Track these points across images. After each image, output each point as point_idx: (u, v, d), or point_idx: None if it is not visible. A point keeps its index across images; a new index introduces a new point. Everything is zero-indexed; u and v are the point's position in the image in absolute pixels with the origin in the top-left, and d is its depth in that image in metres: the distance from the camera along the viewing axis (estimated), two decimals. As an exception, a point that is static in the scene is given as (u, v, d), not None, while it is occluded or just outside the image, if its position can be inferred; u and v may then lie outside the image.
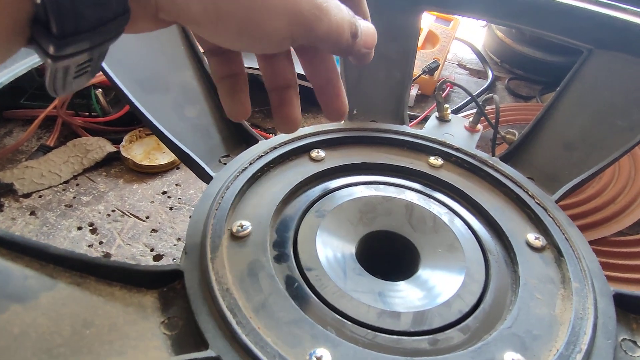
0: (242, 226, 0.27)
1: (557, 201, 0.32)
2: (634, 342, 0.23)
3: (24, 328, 0.18)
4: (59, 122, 0.56)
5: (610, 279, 0.39)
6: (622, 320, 0.24)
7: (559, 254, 0.28)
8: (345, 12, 0.21)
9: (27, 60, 0.31)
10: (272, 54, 0.24)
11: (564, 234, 0.28)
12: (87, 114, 0.58)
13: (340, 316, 0.24)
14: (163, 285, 0.23)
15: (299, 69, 0.26)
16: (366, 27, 0.23)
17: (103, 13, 0.16)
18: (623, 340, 0.23)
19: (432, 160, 0.35)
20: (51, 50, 0.16)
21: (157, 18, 0.19)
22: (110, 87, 0.58)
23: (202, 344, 0.21)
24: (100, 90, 0.57)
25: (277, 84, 0.25)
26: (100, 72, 0.58)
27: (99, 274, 0.22)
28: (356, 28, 0.22)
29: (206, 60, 0.37)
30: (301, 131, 0.35)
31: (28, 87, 0.59)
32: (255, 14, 0.18)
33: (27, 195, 0.49)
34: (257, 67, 0.26)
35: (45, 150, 0.54)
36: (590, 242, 0.42)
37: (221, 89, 0.25)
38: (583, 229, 0.43)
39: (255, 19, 0.18)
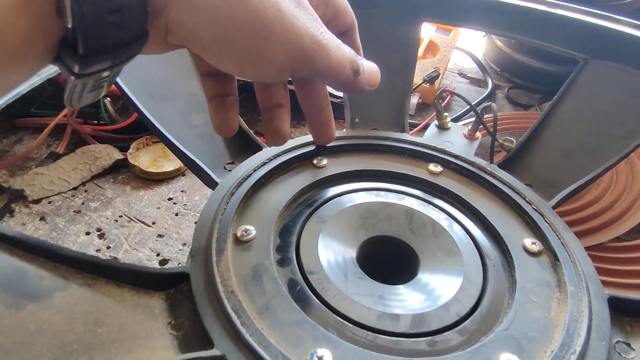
0: (246, 231, 0.28)
1: (554, 207, 0.32)
2: (628, 345, 0.24)
3: (40, 325, 0.19)
4: (68, 130, 0.58)
5: (608, 284, 0.40)
6: (616, 323, 0.25)
7: (555, 258, 0.28)
8: (345, 50, 0.23)
9: (42, 72, 0.32)
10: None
11: (560, 239, 0.29)
12: (95, 122, 0.59)
13: (341, 318, 0.24)
14: (170, 287, 0.24)
15: None
16: (369, 67, 0.25)
17: (124, 36, 0.18)
18: (617, 342, 0.24)
19: (432, 167, 0.36)
20: (76, 68, 0.17)
21: (166, 42, 0.20)
22: (118, 95, 0.60)
23: (208, 344, 0.21)
24: (108, 99, 0.58)
25: (270, 104, 0.26)
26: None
27: (109, 276, 0.23)
28: (358, 66, 0.23)
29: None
30: (304, 139, 0.36)
31: (39, 96, 0.61)
32: (260, 43, 0.19)
33: (37, 201, 0.50)
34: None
35: (55, 157, 0.55)
36: (589, 248, 0.43)
37: (211, 107, 0.26)
38: (581, 234, 0.43)
39: (258, 48, 0.20)
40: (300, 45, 0.20)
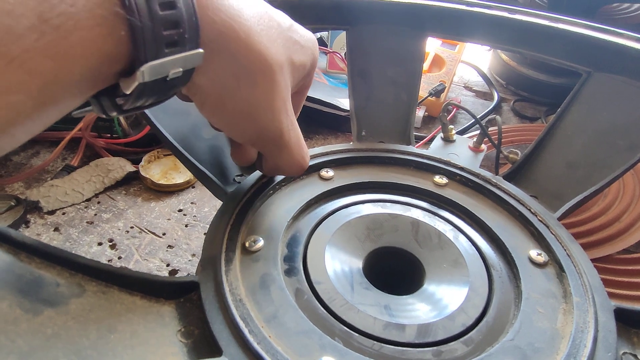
0: (254, 241, 0.28)
1: (559, 218, 0.33)
2: (635, 356, 0.23)
3: (56, 330, 0.20)
4: (83, 143, 0.60)
5: (616, 296, 0.39)
6: (623, 334, 0.24)
7: (560, 269, 0.28)
8: (304, 152, 0.28)
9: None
10: None
11: (565, 250, 0.29)
12: (109, 135, 0.61)
13: (348, 327, 0.25)
14: (180, 296, 0.25)
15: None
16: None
17: (165, 93, 0.21)
18: (624, 353, 0.24)
19: (437, 179, 0.36)
20: (125, 106, 0.20)
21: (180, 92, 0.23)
22: (131, 110, 0.61)
23: (217, 351, 0.22)
24: (121, 113, 0.60)
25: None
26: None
27: (122, 284, 0.23)
28: (304, 168, 0.29)
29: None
30: (311, 151, 0.36)
31: (55, 111, 0.63)
32: (244, 119, 0.24)
33: (51, 212, 0.52)
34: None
35: (69, 169, 0.57)
36: (596, 260, 0.43)
37: (230, 140, 0.32)
38: (588, 246, 0.43)
39: (240, 121, 0.24)
40: (268, 129, 0.25)
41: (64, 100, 0.17)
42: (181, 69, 0.19)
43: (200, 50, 0.19)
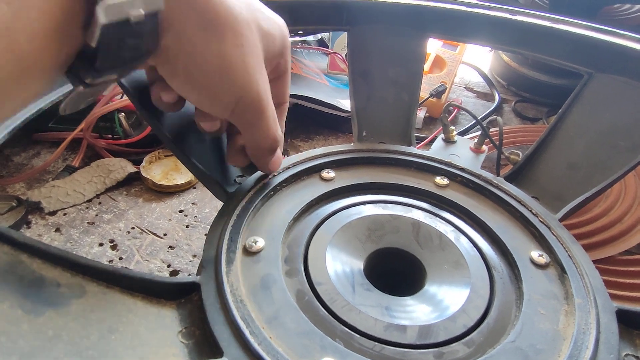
0: (255, 242, 0.28)
1: (561, 219, 0.33)
2: (637, 358, 0.23)
3: (57, 331, 0.20)
4: (84, 144, 0.60)
5: (618, 297, 0.39)
6: (625, 336, 0.24)
7: (562, 270, 0.28)
8: (279, 128, 0.28)
9: (63, 89, 0.34)
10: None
11: (567, 251, 0.29)
12: (110, 136, 0.61)
13: (349, 328, 0.25)
14: (181, 296, 0.25)
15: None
16: (278, 154, 0.31)
17: (136, 55, 0.20)
18: (626, 355, 0.23)
19: (438, 180, 0.36)
20: (88, 79, 0.19)
21: (145, 63, 0.23)
22: (132, 111, 0.61)
23: (217, 352, 0.22)
24: (123, 114, 0.60)
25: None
26: (125, 97, 0.61)
27: (123, 285, 0.24)
28: (278, 146, 0.29)
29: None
30: (312, 152, 0.36)
31: (56, 112, 0.63)
32: (220, 80, 0.24)
33: (52, 213, 0.52)
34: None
35: (70, 170, 0.57)
36: (598, 261, 0.42)
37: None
38: (590, 247, 0.43)
39: (217, 84, 0.24)
40: (248, 93, 0.25)
41: (32, 56, 0.17)
42: (142, 12, 0.19)
43: None
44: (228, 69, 0.23)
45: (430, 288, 0.28)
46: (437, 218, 0.33)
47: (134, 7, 0.18)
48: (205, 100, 0.25)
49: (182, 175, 0.58)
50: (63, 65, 0.19)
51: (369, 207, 0.33)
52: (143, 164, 0.58)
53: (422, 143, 0.65)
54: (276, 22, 0.27)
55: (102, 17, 0.17)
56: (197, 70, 0.23)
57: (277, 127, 0.28)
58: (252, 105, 0.25)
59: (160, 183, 0.56)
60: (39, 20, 0.17)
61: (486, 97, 0.85)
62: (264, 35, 0.25)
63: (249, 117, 0.26)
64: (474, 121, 0.72)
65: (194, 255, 0.48)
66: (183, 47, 0.22)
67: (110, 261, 0.47)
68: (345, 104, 0.66)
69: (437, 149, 0.42)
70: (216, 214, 0.30)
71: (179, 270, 0.46)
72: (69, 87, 0.34)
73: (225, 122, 0.29)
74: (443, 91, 0.73)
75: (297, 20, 0.47)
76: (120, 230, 0.51)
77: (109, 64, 0.19)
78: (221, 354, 0.21)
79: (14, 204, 0.51)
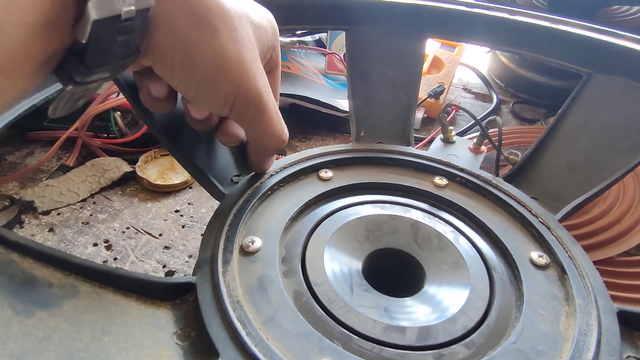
0: (252, 242, 0.28)
1: (560, 220, 0.32)
2: (639, 360, 0.23)
3: (48, 333, 0.19)
4: (78, 143, 0.59)
5: (617, 299, 0.39)
6: (626, 337, 0.24)
7: (562, 271, 0.28)
8: (283, 123, 0.28)
9: (55, 86, 0.33)
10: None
11: (567, 252, 0.29)
12: (105, 135, 0.60)
13: (347, 330, 0.24)
14: (176, 297, 0.24)
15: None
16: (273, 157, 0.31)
17: (126, 52, 0.20)
18: (628, 357, 0.23)
19: (437, 180, 0.36)
20: (78, 77, 0.19)
21: (137, 61, 0.22)
22: (128, 110, 0.61)
23: (213, 354, 0.21)
24: (118, 113, 0.59)
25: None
26: (121, 96, 0.61)
27: (117, 285, 0.23)
28: (284, 143, 0.28)
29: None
30: (310, 152, 0.36)
31: (51, 110, 0.62)
32: (216, 76, 0.23)
33: (46, 213, 0.51)
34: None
35: (65, 169, 0.56)
36: (597, 262, 0.42)
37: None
38: (589, 249, 0.43)
39: (214, 80, 0.24)
40: (246, 88, 0.24)
41: (23, 51, 0.17)
42: (133, 8, 0.18)
43: None
44: (224, 64, 0.23)
45: (429, 289, 0.28)
46: (436, 218, 0.33)
47: (125, 3, 0.18)
48: (203, 97, 0.25)
49: (178, 175, 0.57)
50: (52, 61, 0.19)
51: (368, 207, 0.33)
52: (139, 163, 0.57)
53: (421, 143, 0.64)
54: (265, 15, 0.27)
55: (93, 12, 0.17)
56: (194, 66, 0.23)
57: (283, 125, 0.28)
58: (251, 100, 0.25)
59: (156, 183, 0.55)
60: (30, 14, 0.16)
61: (484, 98, 0.85)
62: (255, 28, 0.25)
63: (250, 113, 0.26)
64: (473, 122, 0.72)
65: (190, 256, 0.47)
66: (178, 44, 0.22)
67: (104, 262, 0.46)
68: (343, 104, 0.66)
69: (436, 149, 0.42)
70: (212, 213, 0.30)
71: (175, 271, 0.45)
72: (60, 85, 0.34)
73: (216, 115, 0.29)
74: (441, 92, 0.73)
75: (295, 19, 0.47)
76: (115, 230, 0.50)
77: (98, 61, 0.19)
78: (217, 356, 0.21)
79: (6, 204, 0.50)
